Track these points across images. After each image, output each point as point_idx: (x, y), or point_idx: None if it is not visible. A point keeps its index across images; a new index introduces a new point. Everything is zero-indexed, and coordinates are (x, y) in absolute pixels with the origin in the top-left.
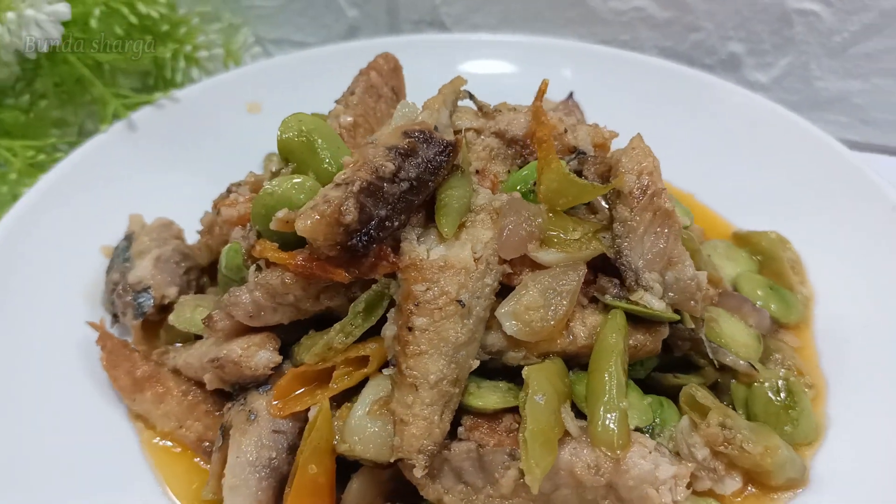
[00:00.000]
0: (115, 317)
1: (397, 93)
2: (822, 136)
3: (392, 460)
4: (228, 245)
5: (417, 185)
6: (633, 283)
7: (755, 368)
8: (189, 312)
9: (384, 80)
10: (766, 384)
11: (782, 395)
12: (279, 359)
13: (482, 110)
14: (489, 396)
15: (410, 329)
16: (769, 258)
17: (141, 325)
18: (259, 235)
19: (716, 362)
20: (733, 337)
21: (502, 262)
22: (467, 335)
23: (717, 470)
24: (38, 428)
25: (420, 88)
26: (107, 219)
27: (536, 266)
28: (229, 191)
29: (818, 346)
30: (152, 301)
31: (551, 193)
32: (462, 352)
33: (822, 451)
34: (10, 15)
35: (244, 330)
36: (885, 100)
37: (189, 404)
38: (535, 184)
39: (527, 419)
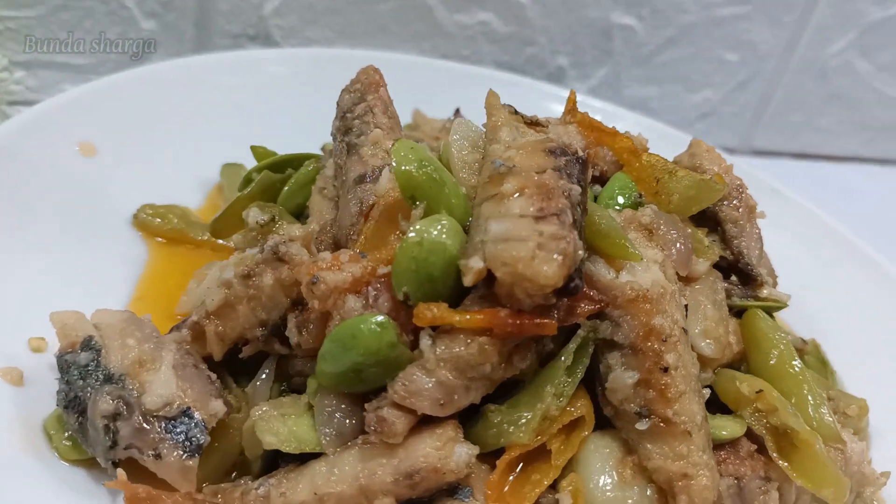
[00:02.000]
0: (114, 464)
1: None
2: None
3: None
4: (357, 320)
5: (582, 203)
6: (761, 280)
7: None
8: (282, 426)
9: (389, 100)
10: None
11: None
12: (477, 449)
13: (536, 125)
14: (725, 425)
15: (666, 370)
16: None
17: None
18: (406, 298)
19: None
20: None
21: (679, 278)
22: (697, 365)
23: None
24: None
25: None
26: None
27: (688, 279)
28: (276, 253)
29: None
30: (204, 426)
31: (686, 202)
32: (697, 384)
33: None
34: None
35: (414, 427)
36: (673, 103)
37: None
38: (640, 195)
39: (786, 432)
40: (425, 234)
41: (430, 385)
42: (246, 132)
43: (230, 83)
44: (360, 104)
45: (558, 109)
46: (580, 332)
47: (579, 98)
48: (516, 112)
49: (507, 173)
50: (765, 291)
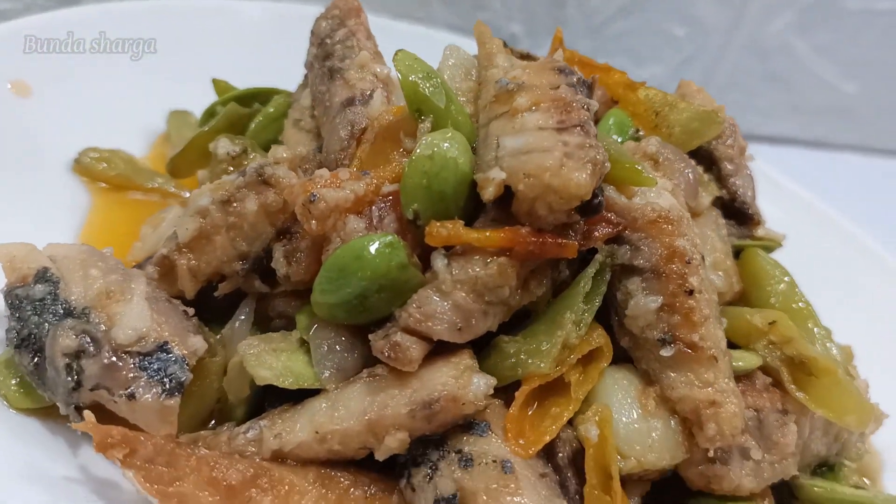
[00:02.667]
0: (80, 410)
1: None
2: None
3: (710, 453)
4: (364, 240)
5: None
6: (758, 218)
7: None
8: (275, 361)
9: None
10: None
11: None
12: (494, 380)
13: (528, 57)
14: (740, 356)
15: (691, 293)
16: None
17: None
18: (416, 216)
19: None
20: None
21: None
22: (716, 293)
23: None
24: None
25: None
26: None
27: (693, 213)
28: (260, 175)
29: None
30: (185, 363)
31: (688, 134)
32: (719, 313)
33: None
34: None
35: (427, 356)
36: None
37: (336, 497)
38: (637, 131)
39: (804, 360)
40: (436, 149)
41: (447, 308)
42: (195, 77)
43: (176, 26)
44: (341, 30)
45: None
46: (598, 257)
47: None
48: (506, 45)
49: (518, 90)
50: (760, 231)
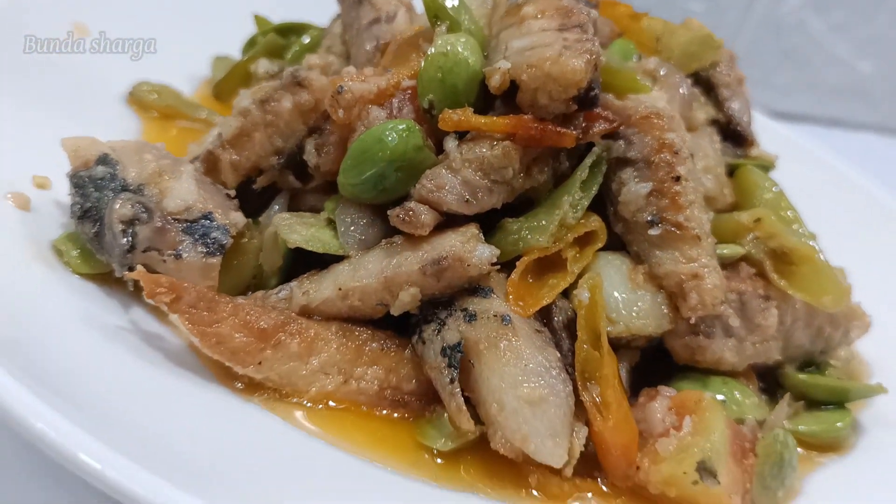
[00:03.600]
0: (129, 270)
1: None
2: None
3: (691, 320)
4: (384, 126)
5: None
6: (752, 140)
7: None
8: (305, 231)
9: None
10: None
11: None
12: (498, 251)
13: None
14: (725, 246)
15: (678, 179)
16: None
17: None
18: (431, 106)
19: None
20: None
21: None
22: (702, 187)
23: None
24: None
25: None
26: None
27: (690, 127)
28: (296, 78)
29: None
30: (226, 228)
31: (687, 57)
32: (704, 203)
33: None
34: None
35: (438, 227)
36: None
37: (355, 346)
38: (638, 57)
39: (785, 252)
40: (450, 47)
41: (457, 182)
42: (236, 27)
43: None
44: None
45: None
46: (595, 150)
47: None
48: None
49: (526, 2)
50: (755, 151)
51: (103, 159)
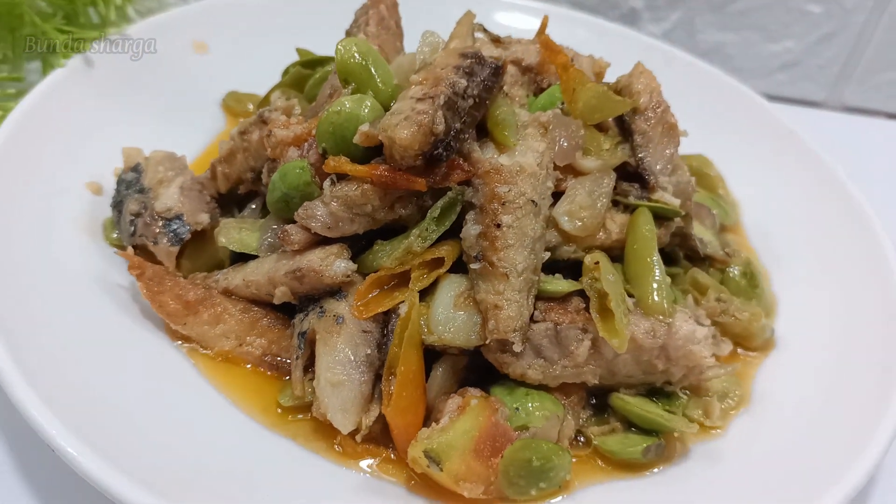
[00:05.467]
0: (135, 248)
1: (399, 27)
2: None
3: (488, 341)
4: (289, 164)
5: (478, 102)
6: (654, 185)
7: (729, 255)
8: (236, 234)
9: (390, 14)
10: (736, 269)
11: (747, 276)
12: (354, 266)
13: (498, 41)
14: (559, 283)
15: (499, 226)
16: (700, 175)
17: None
18: (325, 152)
19: (701, 252)
20: (702, 233)
21: (556, 168)
22: (540, 230)
23: (716, 336)
24: (91, 368)
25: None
26: (74, 158)
27: (578, 173)
28: (262, 117)
29: (752, 241)
30: (187, 228)
31: (588, 109)
32: (537, 245)
33: (778, 318)
34: None
35: (314, 244)
36: (752, 51)
37: (250, 320)
38: (562, 104)
39: (606, 294)
40: (344, 107)
41: (323, 212)
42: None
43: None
44: (363, 16)
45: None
46: (449, 194)
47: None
48: (486, 30)
49: (422, 68)
50: (656, 195)
51: (135, 167)
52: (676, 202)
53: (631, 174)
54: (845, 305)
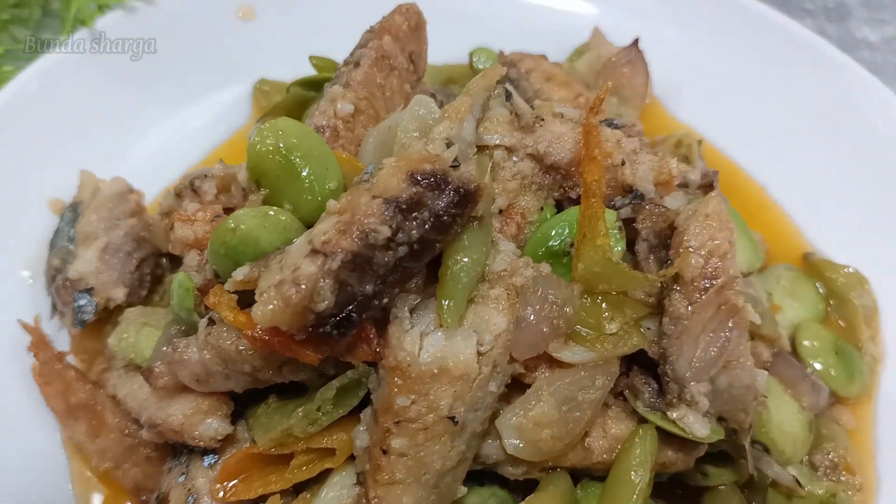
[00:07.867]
0: (54, 307)
1: (415, 61)
2: None
3: None
4: (179, 278)
5: (419, 248)
6: (674, 398)
7: (800, 485)
8: (133, 335)
9: (401, 46)
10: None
11: None
12: (230, 429)
13: (520, 119)
14: None
15: (385, 452)
16: (841, 301)
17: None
18: (216, 275)
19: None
20: (781, 427)
21: (513, 360)
22: (456, 458)
23: None
24: None
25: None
26: (64, 152)
27: (556, 363)
28: (192, 185)
29: (878, 423)
30: (94, 307)
31: (590, 276)
32: (447, 478)
33: None
34: None
35: (185, 388)
36: None
37: (128, 446)
38: (572, 244)
39: None
40: (242, 225)
41: (195, 360)
42: None
43: None
44: (360, 49)
45: None
46: (349, 373)
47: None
48: (511, 95)
49: (355, 186)
50: (676, 413)
51: (75, 207)
52: (703, 430)
53: (651, 366)
54: None
